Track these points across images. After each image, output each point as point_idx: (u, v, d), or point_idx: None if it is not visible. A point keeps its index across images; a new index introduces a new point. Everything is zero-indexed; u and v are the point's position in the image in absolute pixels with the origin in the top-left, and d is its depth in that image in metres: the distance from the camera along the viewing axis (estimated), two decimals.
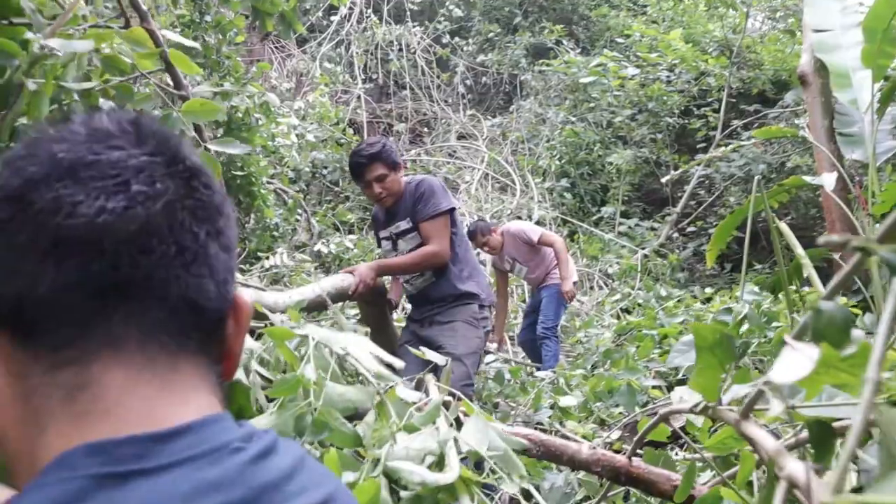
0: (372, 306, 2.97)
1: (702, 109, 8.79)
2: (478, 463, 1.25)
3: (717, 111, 8.50)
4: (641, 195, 9.15)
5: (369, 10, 10.77)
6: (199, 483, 0.46)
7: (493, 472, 1.18)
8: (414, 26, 10.94)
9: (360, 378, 1.36)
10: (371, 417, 1.25)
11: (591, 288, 7.25)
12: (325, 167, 8.63)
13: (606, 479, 1.57)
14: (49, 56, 1.56)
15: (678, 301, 5.84)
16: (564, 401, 2.94)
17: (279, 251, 5.76)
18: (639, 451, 1.51)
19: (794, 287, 2.44)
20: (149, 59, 1.74)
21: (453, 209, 2.90)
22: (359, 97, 10.02)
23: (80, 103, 1.65)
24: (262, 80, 7.27)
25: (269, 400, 1.31)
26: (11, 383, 0.50)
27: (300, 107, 8.12)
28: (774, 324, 2.62)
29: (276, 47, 9.95)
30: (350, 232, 7.73)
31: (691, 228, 8.14)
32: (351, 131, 8.84)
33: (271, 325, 1.61)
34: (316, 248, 6.58)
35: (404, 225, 2.89)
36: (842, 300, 2.93)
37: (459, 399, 1.43)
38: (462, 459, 1.18)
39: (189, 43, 1.97)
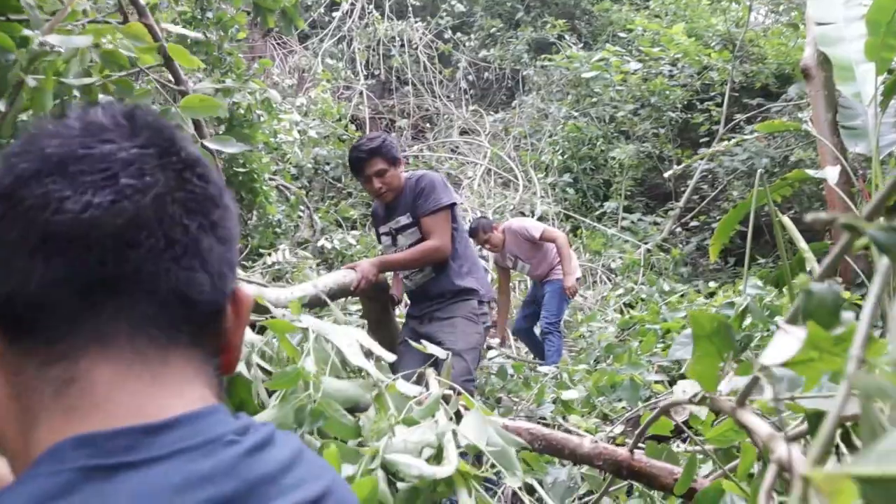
0: (374, 302, 2.97)
1: (705, 104, 8.76)
2: (480, 456, 1.25)
3: (719, 105, 8.47)
4: (644, 190, 9.13)
5: (371, 6, 10.77)
6: (190, 475, 0.45)
7: (493, 465, 1.18)
8: (416, 22, 10.93)
9: (363, 372, 1.36)
10: (372, 411, 1.25)
11: (595, 283, 7.24)
12: (328, 163, 8.63)
13: (608, 473, 1.56)
14: (49, 52, 1.57)
15: (681, 296, 5.83)
16: (567, 395, 2.95)
17: (281, 248, 5.77)
18: (641, 444, 1.51)
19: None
20: (148, 54, 1.74)
21: (454, 204, 2.90)
22: (361, 93, 10.02)
23: (81, 99, 1.65)
24: (263, 76, 7.27)
25: (270, 394, 1.31)
26: (7, 381, 0.50)
27: (302, 103, 8.13)
28: (777, 318, 2.62)
29: (277, 44, 9.94)
30: (353, 228, 7.73)
31: (694, 223, 8.12)
32: (353, 127, 8.83)
33: (273, 318, 1.61)
34: (319, 243, 6.59)
35: (404, 220, 2.89)
36: (846, 293, 2.93)
37: (459, 393, 1.43)
38: (463, 455, 1.18)
39: (192, 34, 1.97)
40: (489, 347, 4.46)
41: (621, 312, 5.94)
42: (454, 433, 1.15)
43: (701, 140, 8.51)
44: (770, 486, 0.50)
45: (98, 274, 0.48)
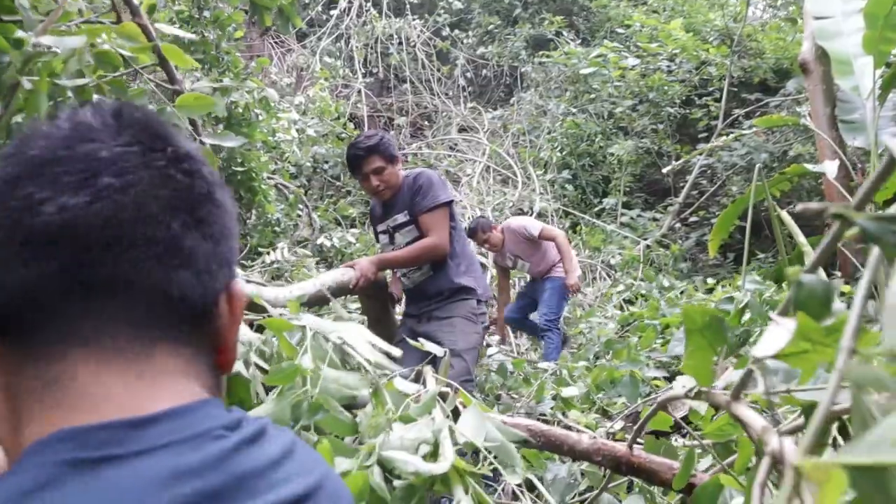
0: (373, 300, 2.97)
1: (703, 99, 8.75)
2: (479, 453, 1.25)
3: (718, 100, 8.46)
4: (643, 186, 9.12)
5: (368, 4, 10.75)
6: (177, 468, 0.45)
7: (491, 462, 1.18)
8: (414, 19, 10.92)
9: (362, 370, 1.36)
10: (370, 408, 1.25)
11: (594, 279, 7.24)
12: (327, 162, 8.62)
13: (608, 469, 1.56)
14: (44, 53, 1.56)
15: (681, 292, 5.83)
16: (567, 391, 2.94)
17: (280, 246, 5.75)
18: (640, 440, 1.51)
19: None
20: (142, 54, 1.74)
21: (452, 202, 2.90)
22: (359, 91, 10.00)
23: (75, 100, 1.65)
24: (261, 75, 7.27)
25: (269, 392, 1.31)
26: None
27: (300, 101, 8.11)
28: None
29: (275, 42, 9.93)
30: (352, 226, 7.72)
31: (693, 218, 8.12)
32: (352, 126, 8.82)
33: (270, 317, 1.61)
34: (318, 242, 6.58)
35: (401, 218, 2.89)
36: (844, 287, 2.92)
37: (457, 391, 1.43)
38: (462, 454, 1.17)
39: (183, 34, 1.97)
40: (488, 345, 4.47)
41: (621, 308, 5.94)
42: (451, 430, 1.14)
43: (699, 135, 8.50)
44: (764, 479, 0.50)
45: (77, 275, 0.48)
